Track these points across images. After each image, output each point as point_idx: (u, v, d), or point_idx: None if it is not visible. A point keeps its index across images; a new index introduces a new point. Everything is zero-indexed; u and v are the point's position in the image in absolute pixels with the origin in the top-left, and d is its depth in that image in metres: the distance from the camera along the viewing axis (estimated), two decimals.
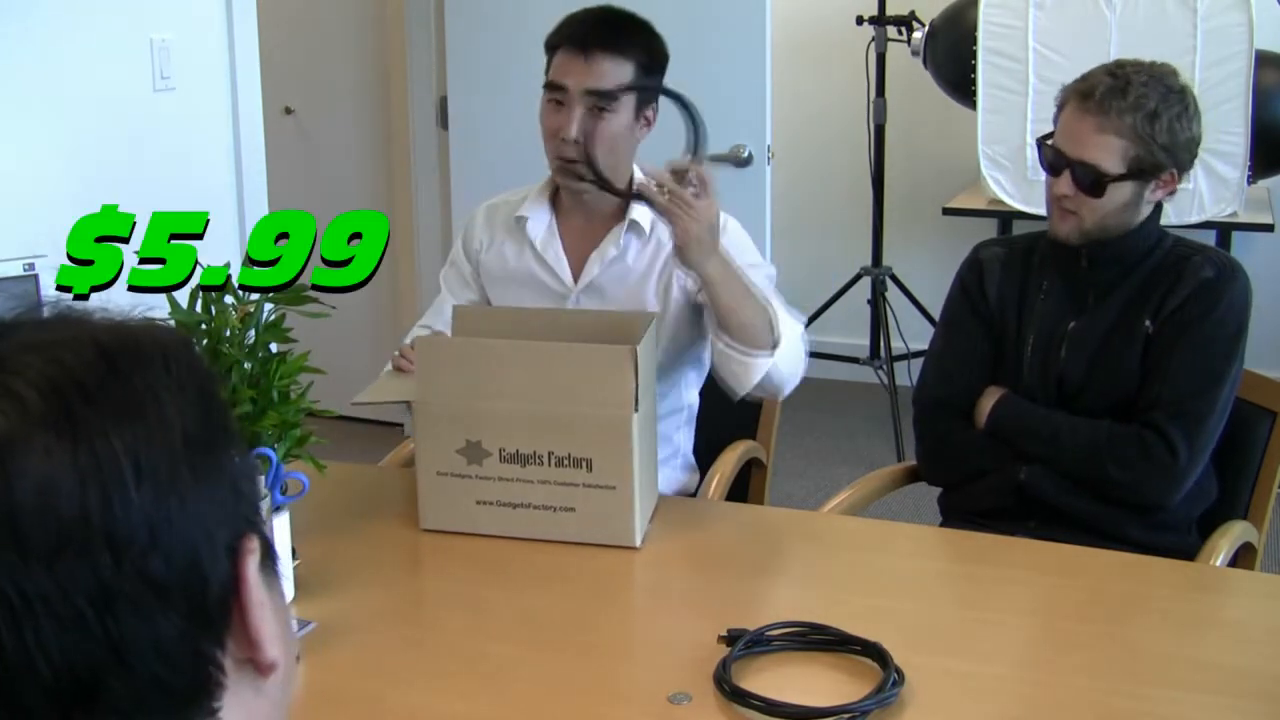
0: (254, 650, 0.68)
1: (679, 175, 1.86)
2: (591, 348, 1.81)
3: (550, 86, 2.09)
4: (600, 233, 2.17)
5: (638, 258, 2.15)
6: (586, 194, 2.13)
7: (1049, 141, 2.07)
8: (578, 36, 2.07)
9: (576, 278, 2.17)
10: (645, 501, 1.85)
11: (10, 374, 0.62)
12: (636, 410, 1.77)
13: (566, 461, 1.81)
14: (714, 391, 2.29)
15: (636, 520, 1.82)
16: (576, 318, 2.05)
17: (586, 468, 1.80)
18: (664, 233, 2.11)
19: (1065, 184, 2.03)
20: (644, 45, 2.11)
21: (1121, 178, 1.99)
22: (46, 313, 0.69)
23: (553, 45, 2.11)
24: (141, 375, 0.65)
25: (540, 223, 2.19)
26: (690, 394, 2.26)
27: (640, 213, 2.13)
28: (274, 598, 0.70)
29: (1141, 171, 2.00)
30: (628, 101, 2.08)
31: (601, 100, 2.06)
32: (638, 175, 1.94)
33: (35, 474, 0.60)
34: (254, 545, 0.68)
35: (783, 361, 1.96)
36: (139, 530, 0.62)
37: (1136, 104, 1.96)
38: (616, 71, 2.06)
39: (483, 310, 2.17)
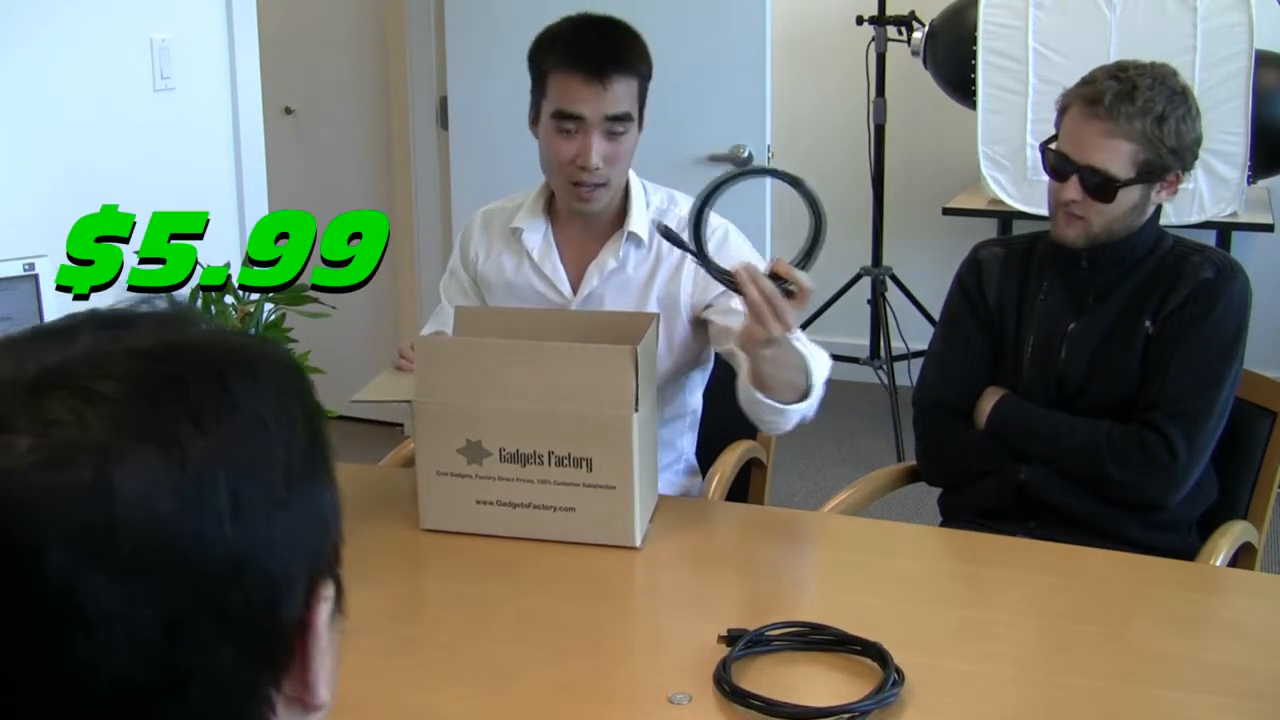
0: (306, 692, 0.68)
1: (779, 278, 1.76)
2: (592, 348, 1.81)
3: (562, 115, 2.01)
4: (598, 243, 2.14)
5: (638, 268, 2.13)
6: (598, 215, 2.10)
7: (1052, 146, 2.07)
8: (589, 62, 1.99)
9: (575, 289, 2.14)
10: (645, 501, 1.85)
11: (122, 381, 0.62)
12: (636, 410, 1.77)
13: (567, 461, 1.81)
14: (714, 392, 2.29)
15: (636, 520, 1.81)
16: (577, 318, 2.05)
17: (587, 467, 1.80)
18: (664, 244, 2.09)
19: (1073, 189, 2.02)
20: (644, 55, 2.07)
21: (1131, 182, 1.99)
22: (164, 307, 0.69)
23: (549, 67, 2.03)
24: (255, 405, 0.65)
25: (536, 234, 2.16)
26: (694, 398, 2.25)
27: (638, 223, 2.10)
28: (334, 641, 0.70)
29: (1150, 174, 2.00)
30: (636, 118, 2.05)
31: (619, 124, 2.02)
32: (734, 263, 1.80)
33: (136, 490, 0.59)
34: (329, 593, 0.69)
35: (815, 404, 1.96)
36: (224, 564, 0.61)
37: (1145, 108, 1.96)
38: (629, 91, 2.02)
39: (483, 310, 2.16)
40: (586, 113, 2.00)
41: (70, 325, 0.66)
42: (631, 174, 2.13)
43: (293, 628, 0.66)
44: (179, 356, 0.64)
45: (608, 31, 2.06)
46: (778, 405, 1.92)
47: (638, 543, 1.83)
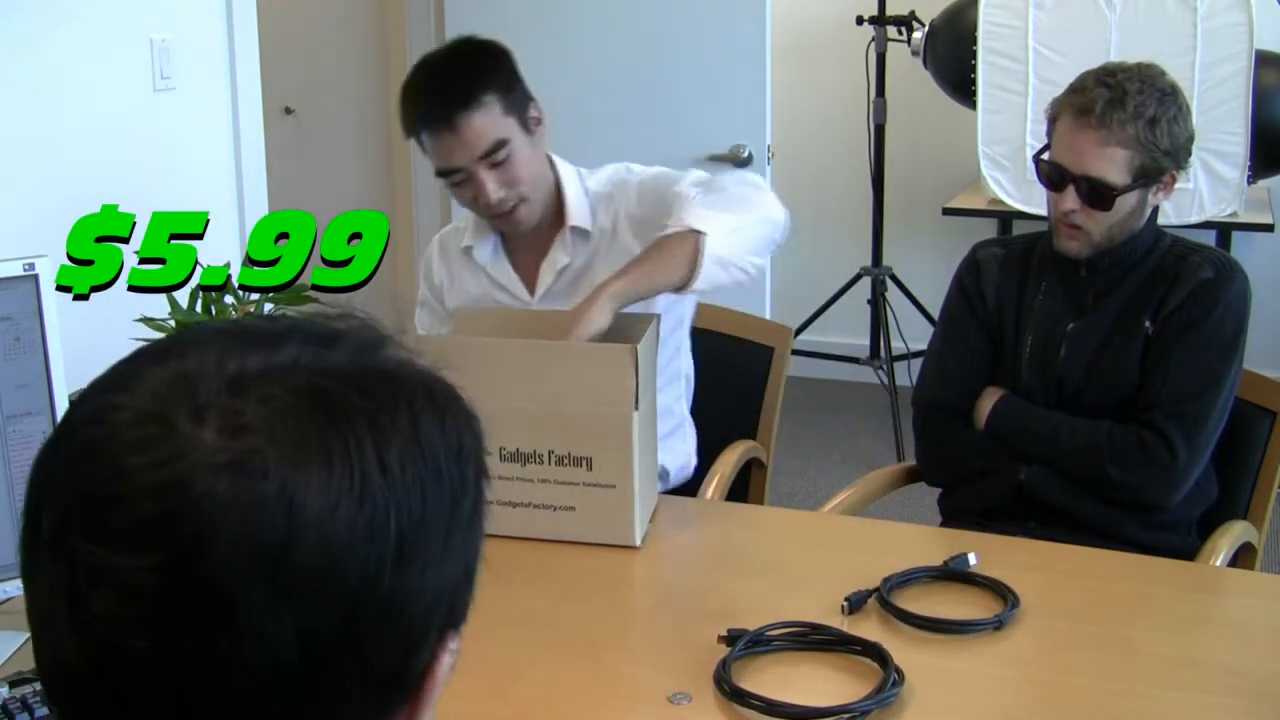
0: None
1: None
2: (592, 346, 1.81)
3: (444, 173, 2.03)
4: (546, 243, 2.14)
5: (591, 259, 2.12)
6: (527, 225, 2.10)
7: (1045, 157, 2.06)
8: (434, 115, 1.99)
9: (533, 291, 2.15)
10: (645, 501, 1.85)
11: (319, 403, 0.62)
12: (637, 409, 1.77)
13: (567, 460, 1.81)
14: (713, 393, 2.30)
15: (636, 520, 1.81)
16: None
17: (587, 466, 1.80)
18: (621, 230, 2.10)
19: (1070, 199, 2.01)
20: (490, 71, 2.03)
21: (1128, 188, 1.99)
22: (360, 325, 0.69)
23: (412, 131, 2.04)
24: (437, 458, 0.65)
25: (486, 247, 2.17)
26: (685, 362, 2.25)
27: (578, 215, 2.10)
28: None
29: (1146, 178, 2.00)
30: (516, 131, 2.02)
31: (497, 154, 2.00)
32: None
33: (316, 513, 0.60)
34: (455, 645, 0.68)
35: (721, 225, 1.91)
36: (376, 605, 0.62)
37: (1137, 113, 1.96)
38: (488, 119, 1.99)
39: (482, 311, 2.16)
40: (459, 163, 2.00)
41: (278, 331, 0.66)
42: (560, 165, 2.13)
43: (418, 676, 0.66)
44: (377, 389, 0.64)
45: (447, 72, 2.03)
46: (698, 286, 1.92)
47: (637, 542, 1.83)
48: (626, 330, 1.88)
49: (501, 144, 2.00)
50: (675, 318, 2.18)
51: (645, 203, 2.09)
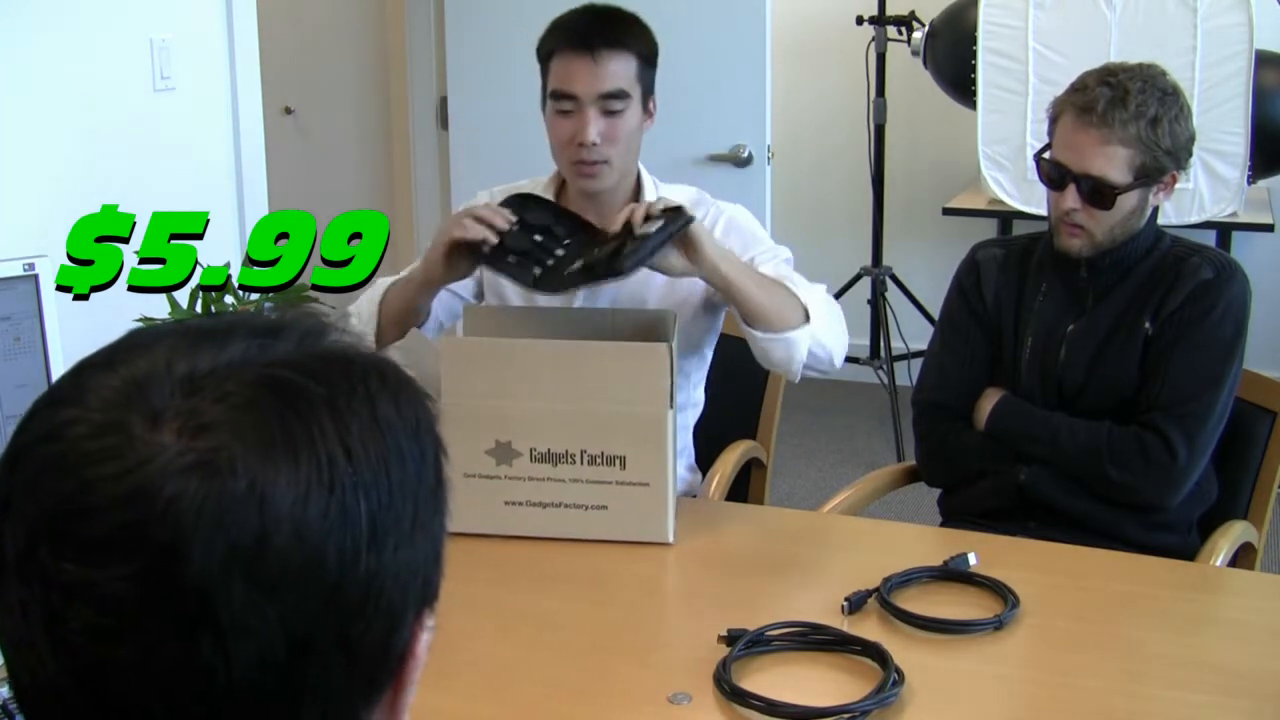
0: (394, 717, 0.68)
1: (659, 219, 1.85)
2: (627, 346, 1.81)
3: (558, 96, 2.04)
4: (609, 219, 2.12)
5: None
6: (602, 193, 2.09)
7: (1046, 156, 2.06)
8: (580, 38, 2.02)
9: None
10: (674, 497, 1.86)
11: (278, 395, 0.62)
12: (671, 407, 1.78)
13: (600, 460, 1.80)
14: (714, 393, 2.29)
15: (669, 516, 1.82)
16: (588, 316, 2.03)
17: (620, 465, 1.80)
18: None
19: (1071, 198, 2.01)
20: (642, 36, 2.09)
21: (1129, 187, 1.99)
22: (303, 316, 0.69)
23: (548, 51, 2.07)
24: (397, 437, 0.65)
25: None
26: (697, 392, 2.25)
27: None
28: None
29: (1147, 177, 2.00)
30: (637, 98, 2.06)
31: (615, 102, 2.03)
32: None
33: (288, 507, 0.59)
34: (431, 623, 0.68)
35: (823, 329, 1.96)
36: (356, 591, 0.61)
37: (1138, 112, 1.96)
38: (623, 68, 2.03)
39: (494, 310, 2.14)
40: (579, 91, 2.02)
41: (224, 328, 0.66)
42: (643, 170, 2.14)
43: (399, 658, 0.66)
44: (331, 374, 0.64)
45: (604, 14, 2.09)
46: (778, 336, 1.92)
47: (670, 539, 1.83)
48: (650, 327, 1.88)
49: (623, 95, 2.03)
50: (687, 348, 2.15)
51: (728, 233, 2.10)
